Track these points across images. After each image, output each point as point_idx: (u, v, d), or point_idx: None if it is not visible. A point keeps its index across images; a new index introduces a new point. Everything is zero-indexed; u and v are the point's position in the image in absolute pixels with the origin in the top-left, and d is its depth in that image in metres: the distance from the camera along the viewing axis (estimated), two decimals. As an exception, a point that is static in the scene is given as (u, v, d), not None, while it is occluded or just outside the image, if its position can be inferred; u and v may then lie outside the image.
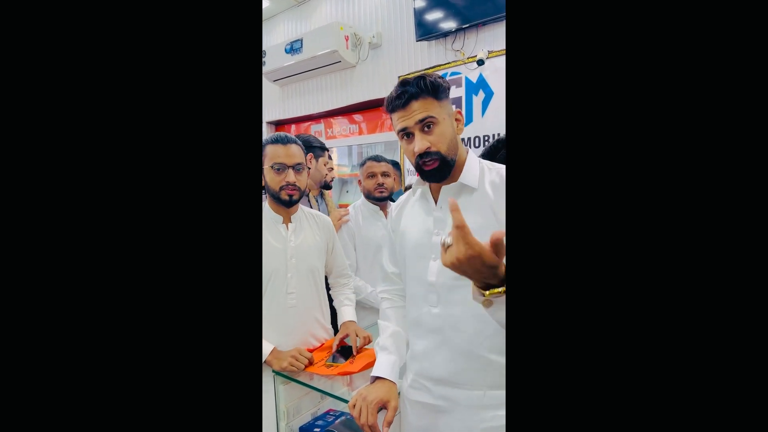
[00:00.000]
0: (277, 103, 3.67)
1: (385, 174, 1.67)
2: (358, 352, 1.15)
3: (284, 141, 1.16)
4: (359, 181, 1.74)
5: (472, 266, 0.56)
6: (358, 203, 1.75)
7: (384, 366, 0.89)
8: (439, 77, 0.86)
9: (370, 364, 1.08)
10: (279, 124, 3.85)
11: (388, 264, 1.05)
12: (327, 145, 1.81)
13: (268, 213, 1.21)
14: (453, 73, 2.51)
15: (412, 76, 0.86)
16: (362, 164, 1.71)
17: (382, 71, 2.85)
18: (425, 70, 2.61)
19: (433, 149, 0.82)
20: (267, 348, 1.14)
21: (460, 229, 0.55)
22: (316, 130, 3.51)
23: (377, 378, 0.88)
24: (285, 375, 1.10)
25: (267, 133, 3.85)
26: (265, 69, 3.35)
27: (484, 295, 0.58)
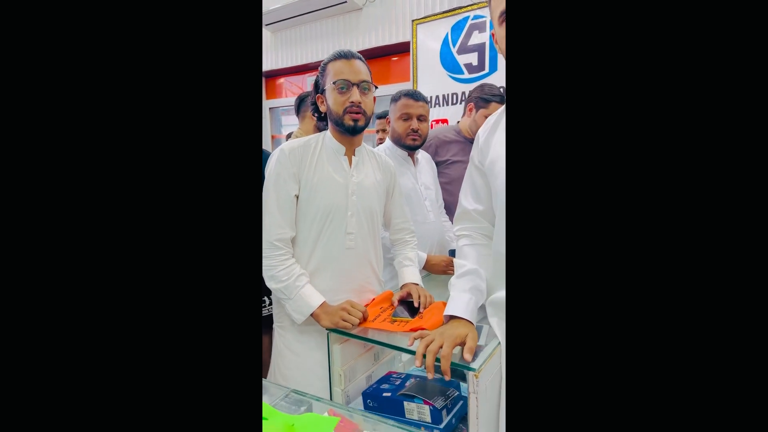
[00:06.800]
0: (267, 51, 3.33)
1: (421, 118, 1.41)
2: (423, 308, 0.99)
3: (347, 56, 0.99)
4: (387, 120, 1.51)
5: None
6: (382, 147, 1.51)
7: (458, 304, 0.81)
8: None
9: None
10: (269, 76, 3.52)
11: (468, 201, 0.91)
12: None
13: (330, 142, 1.04)
14: (476, 17, 2.29)
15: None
16: (395, 100, 1.44)
17: (392, 15, 2.59)
18: (444, 13, 2.38)
19: None
20: (316, 300, 0.96)
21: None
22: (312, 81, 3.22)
23: (451, 318, 0.81)
24: (341, 332, 0.92)
25: (255, 85, 3.51)
26: (256, 11, 3.00)
27: None
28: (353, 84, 0.96)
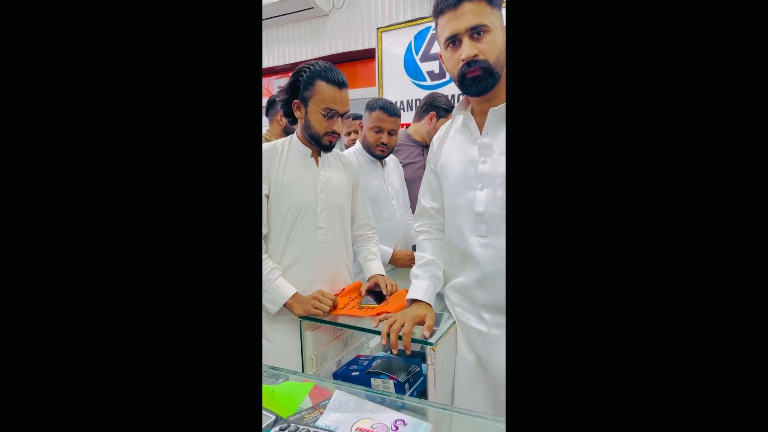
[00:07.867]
0: (233, 53, 3.33)
1: (392, 132, 1.50)
2: (389, 295, 1.09)
3: (341, 84, 1.05)
4: (360, 125, 1.61)
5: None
6: (352, 150, 1.60)
7: (418, 289, 0.92)
8: None
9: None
10: (235, 78, 3.52)
11: (426, 200, 1.02)
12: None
13: (297, 145, 1.12)
14: (437, 27, 2.43)
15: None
16: (371, 109, 1.52)
17: (358, 22, 2.68)
18: (408, 22, 2.50)
19: (481, 57, 0.78)
20: (289, 291, 1.04)
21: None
22: (279, 84, 3.26)
23: (413, 301, 0.91)
24: (313, 319, 1.00)
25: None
26: (221, 13, 3.01)
27: None
28: (339, 115, 1.06)
